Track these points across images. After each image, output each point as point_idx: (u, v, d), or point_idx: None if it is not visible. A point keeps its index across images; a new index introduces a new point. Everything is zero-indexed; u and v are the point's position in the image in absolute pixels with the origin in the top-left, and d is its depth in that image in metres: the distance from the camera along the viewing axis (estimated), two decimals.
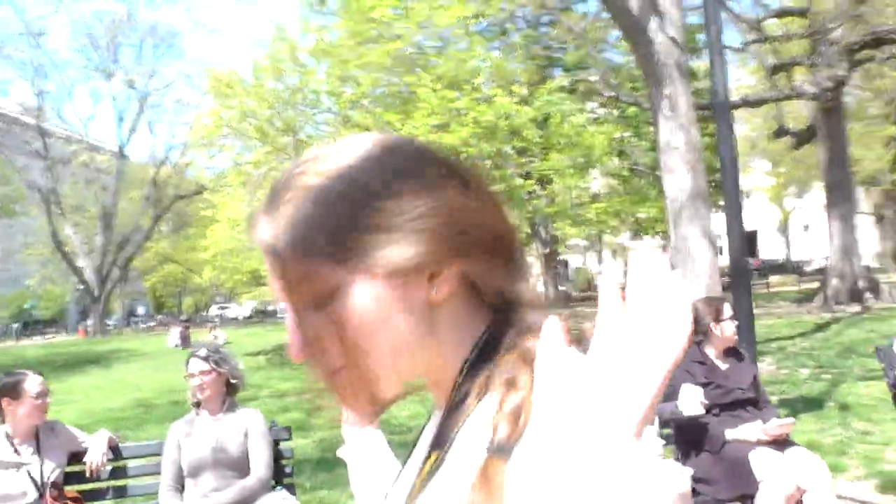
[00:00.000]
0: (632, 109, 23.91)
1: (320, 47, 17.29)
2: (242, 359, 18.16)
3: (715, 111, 5.74)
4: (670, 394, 4.14)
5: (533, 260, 30.19)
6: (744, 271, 5.70)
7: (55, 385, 15.76)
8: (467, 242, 0.71)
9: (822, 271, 40.64)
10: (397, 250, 0.68)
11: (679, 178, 9.94)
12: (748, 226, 50.01)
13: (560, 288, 32.45)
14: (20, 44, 33.16)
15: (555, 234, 25.75)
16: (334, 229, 0.68)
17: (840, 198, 18.38)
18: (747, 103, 19.31)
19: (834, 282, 17.82)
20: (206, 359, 3.49)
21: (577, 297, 36.47)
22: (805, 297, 19.94)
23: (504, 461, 0.61)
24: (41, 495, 3.42)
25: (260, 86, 17.38)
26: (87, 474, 3.63)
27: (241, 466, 3.42)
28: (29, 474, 3.41)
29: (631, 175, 19.29)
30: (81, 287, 42.16)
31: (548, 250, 27.51)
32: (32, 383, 3.51)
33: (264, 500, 3.40)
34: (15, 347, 34.88)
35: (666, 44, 10.26)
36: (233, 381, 3.57)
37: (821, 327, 13.87)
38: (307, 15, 18.67)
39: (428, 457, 0.74)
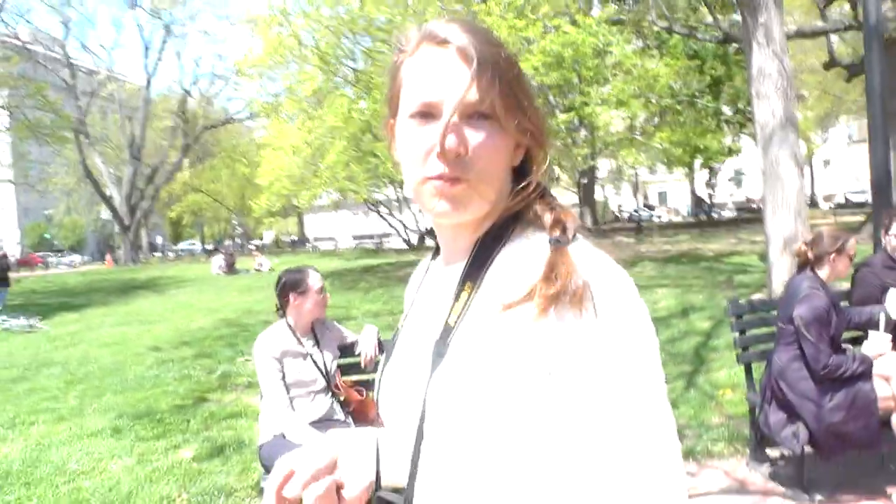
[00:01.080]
0: (674, 40, 23.69)
1: None
2: None
3: (865, 38, 5.93)
4: (867, 298, 4.42)
5: (572, 192, 30.27)
6: (885, 189, 5.97)
7: (122, 308, 16.15)
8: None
9: (846, 205, 40.88)
10: (535, 125, 0.94)
11: (772, 104, 10.08)
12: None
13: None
14: None
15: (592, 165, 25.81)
16: (527, 90, 0.93)
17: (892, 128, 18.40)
18: (803, 34, 19.19)
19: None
20: None
21: (607, 228, 36.85)
22: (851, 229, 20.16)
23: (566, 247, 0.86)
24: (328, 383, 3.72)
25: (318, 13, 17.29)
26: (362, 366, 3.91)
27: None
28: (314, 363, 3.70)
29: (687, 106, 19.33)
30: (109, 216, 42.46)
31: (586, 180, 27.58)
32: (315, 279, 3.74)
33: None
34: (51, 276, 35.33)
35: None
36: None
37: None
38: None
39: (462, 288, 0.92)
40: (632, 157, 16.61)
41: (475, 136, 0.88)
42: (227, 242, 54.84)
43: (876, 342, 3.94)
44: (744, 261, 15.33)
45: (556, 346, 0.79)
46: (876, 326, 4.05)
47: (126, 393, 7.58)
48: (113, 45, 60.80)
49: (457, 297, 0.92)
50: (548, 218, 0.91)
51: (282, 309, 3.76)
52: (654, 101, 16.72)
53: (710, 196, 38.93)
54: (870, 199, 18.64)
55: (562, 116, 15.32)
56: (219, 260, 26.58)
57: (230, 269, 25.77)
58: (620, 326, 0.80)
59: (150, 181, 39.98)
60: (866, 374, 3.74)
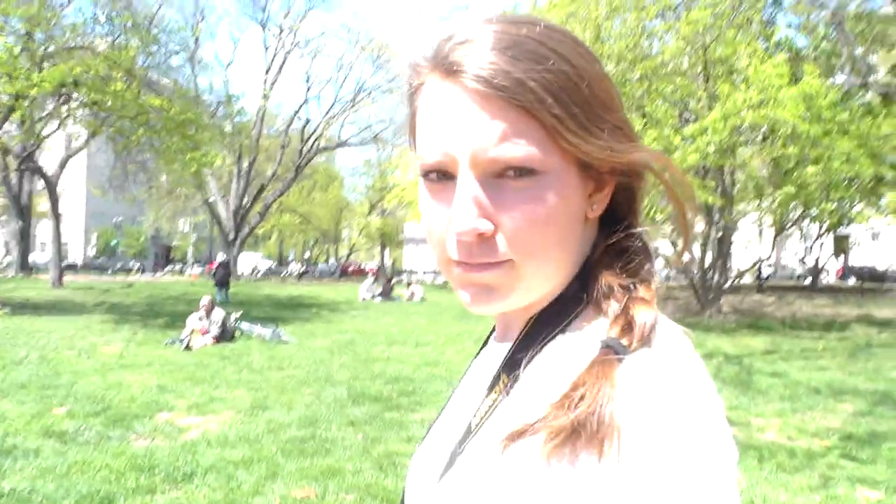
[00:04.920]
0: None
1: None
2: None
3: None
4: None
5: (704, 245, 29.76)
6: None
7: (336, 326, 15.68)
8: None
9: None
10: (622, 153, 0.66)
11: None
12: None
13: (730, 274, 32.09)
14: None
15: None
16: (606, 105, 0.66)
17: None
18: None
19: None
20: None
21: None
22: None
23: (617, 359, 0.60)
24: None
25: None
26: None
27: None
28: None
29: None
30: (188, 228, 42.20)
31: (720, 235, 27.25)
32: None
33: None
34: (162, 283, 34.48)
35: None
36: None
37: None
38: None
39: (496, 381, 0.70)
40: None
41: (508, 203, 0.63)
42: (378, 265, 52.48)
43: None
44: None
45: (559, 497, 0.57)
46: None
47: None
48: (229, 62, 65.61)
49: (488, 391, 0.70)
50: (612, 306, 0.66)
51: None
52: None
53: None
54: None
55: (810, 170, 15.61)
56: (367, 285, 26.30)
57: (385, 295, 25.65)
58: (656, 483, 0.54)
59: (256, 198, 40.35)
60: None
